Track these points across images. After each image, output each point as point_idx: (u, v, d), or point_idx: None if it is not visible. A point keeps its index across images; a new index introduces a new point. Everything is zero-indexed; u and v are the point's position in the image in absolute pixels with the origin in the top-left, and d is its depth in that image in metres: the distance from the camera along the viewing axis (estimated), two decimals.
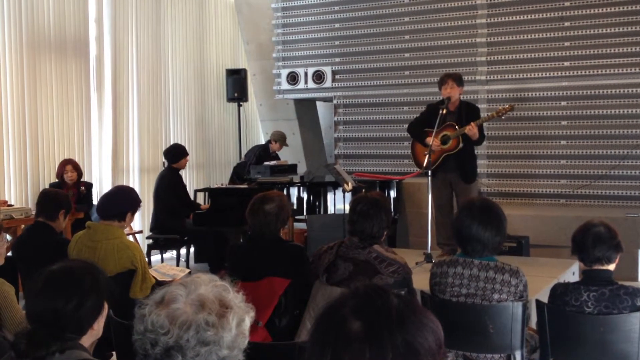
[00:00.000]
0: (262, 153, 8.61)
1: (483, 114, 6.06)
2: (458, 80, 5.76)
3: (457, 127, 5.66)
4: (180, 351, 1.53)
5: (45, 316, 1.97)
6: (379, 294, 1.21)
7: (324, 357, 1.16)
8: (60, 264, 2.12)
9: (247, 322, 1.62)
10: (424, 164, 5.56)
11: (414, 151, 6.07)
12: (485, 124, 6.07)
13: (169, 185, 7.26)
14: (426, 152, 5.61)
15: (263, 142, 10.33)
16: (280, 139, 8.74)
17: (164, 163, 8.33)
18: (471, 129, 5.54)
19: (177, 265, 6.97)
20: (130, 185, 7.95)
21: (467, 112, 5.74)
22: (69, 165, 6.77)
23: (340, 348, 1.15)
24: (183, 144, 8.58)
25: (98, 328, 2.07)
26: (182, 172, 7.74)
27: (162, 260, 7.49)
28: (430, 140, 5.63)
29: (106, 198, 3.99)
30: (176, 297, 1.58)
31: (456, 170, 5.77)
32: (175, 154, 7.45)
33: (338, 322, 1.18)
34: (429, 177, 5.61)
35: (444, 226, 5.74)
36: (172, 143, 8.68)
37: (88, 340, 2.03)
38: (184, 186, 7.59)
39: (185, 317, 1.55)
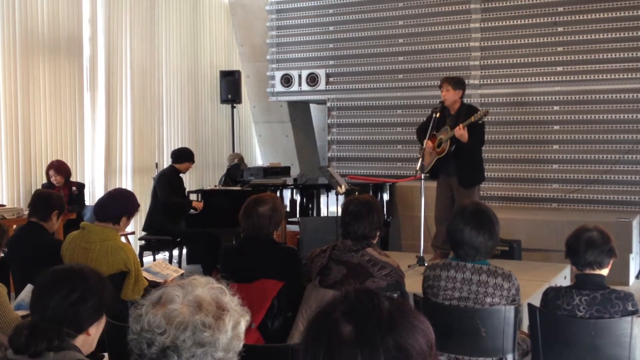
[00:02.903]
0: (231, 174, 8.57)
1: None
2: (454, 83, 5.70)
3: (450, 130, 5.63)
4: (176, 351, 1.54)
5: (47, 308, 1.98)
6: (369, 297, 1.22)
7: None
8: (68, 264, 2.15)
9: (243, 325, 1.63)
10: (417, 166, 5.56)
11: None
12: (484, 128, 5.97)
13: (166, 183, 7.23)
14: (420, 155, 5.61)
15: (256, 144, 10.38)
16: (235, 158, 8.71)
17: (156, 164, 8.34)
18: (458, 130, 5.50)
19: None
20: (123, 186, 7.92)
21: (464, 115, 5.64)
22: (52, 170, 6.73)
23: (332, 353, 1.15)
24: (176, 145, 8.59)
25: (93, 336, 2.07)
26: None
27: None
28: (427, 143, 5.64)
29: (104, 200, 3.98)
30: (173, 297, 1.58)
31: (455, 174, 5.74)
32: (180, 156, 7.42)
33: (329, 327, 1.18)
34: (422, 181, 5.62)
35: (442, 229, 5.71)
36: (165, 143, 8.76)
37: (82, 345, 2.03)
38: (183, 187, 7.56)
39: (182, 317, 1.56)
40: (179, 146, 8.32)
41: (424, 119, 6.11)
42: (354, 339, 1.15)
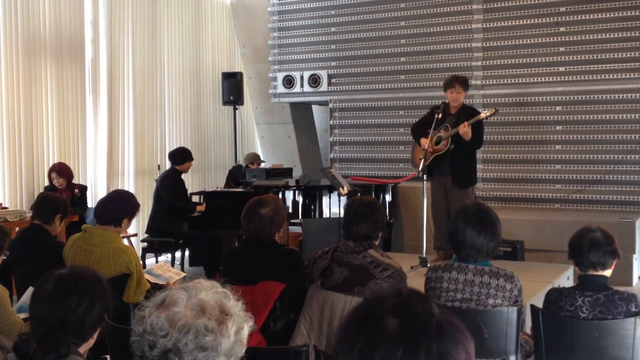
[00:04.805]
0: (233, 175, 8.54)
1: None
2: (466, 85, 5.76)
3: (450, 128, 5.64)
4: (178, 354, 1.53)
5: (53, 319, 1.97)
6: (422, 299, 1.21)
7: (353, 348, 1.14)
8: (69, 269, 2.13)
9: (246, 331, 1.62)
10: (419, 167, 5.55)
11: (413, 152, 6.04)
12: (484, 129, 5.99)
13: (170, 185, 7.23)
14: (421, 157, 5.60)
15: (258, 145, 10.37)
16: (255, 159, 8.64)
17: (159, 166, 8.34)
18: (463, 128, 5.51)
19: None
20: (125, 188, 7.92)
21: (466, 114, 5.67)
22: (53, 172, 6.73)
23: (373, 342, 1.13)
24: (178, 147, 8.57)
25: (94, 339, 2.07)
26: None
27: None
28: (424, 142, 5.64)
29: (104, 202, 3.97)
30: (177, 300, 1.58)
31: (450, 174, 5.75)
32: (179, 157, 7.39)
33: (376, 316, 1.16)
34: (424, 182, 5.61)
35: (441, 229, 5.71)
36: (167, 145, 8.74)
37: (83, 350, 2.03)
38: (185, 189, 7.56)
39: (185, 320, 1.55)
40: None
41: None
42: (398, 333, 1.13)
